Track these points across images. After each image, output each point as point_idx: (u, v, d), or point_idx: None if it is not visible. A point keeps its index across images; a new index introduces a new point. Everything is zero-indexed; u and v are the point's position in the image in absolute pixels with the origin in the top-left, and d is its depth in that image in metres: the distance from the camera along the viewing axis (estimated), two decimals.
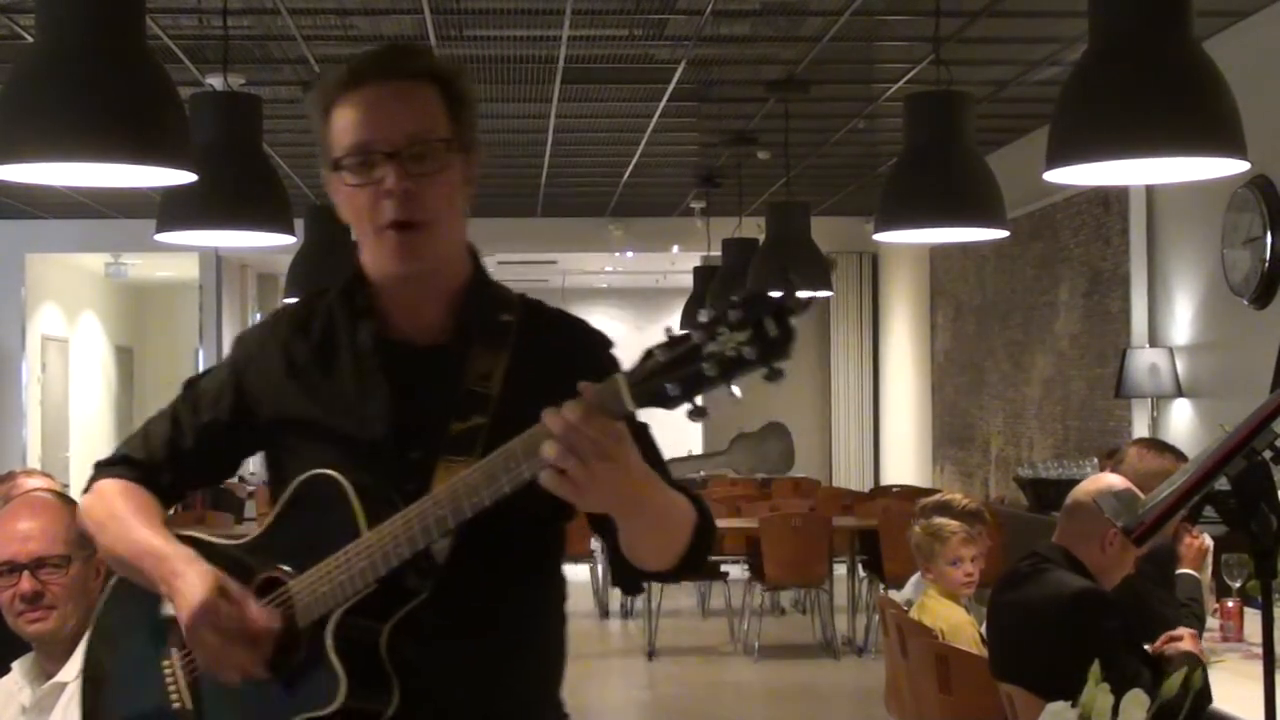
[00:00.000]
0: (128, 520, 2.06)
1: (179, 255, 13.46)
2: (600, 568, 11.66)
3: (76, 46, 3.50)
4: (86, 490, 2.15)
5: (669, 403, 1.65)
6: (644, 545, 1.90)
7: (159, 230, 5.39)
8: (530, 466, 1.75)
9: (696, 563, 1.93)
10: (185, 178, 3.93)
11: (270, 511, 2.06)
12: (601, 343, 2.07)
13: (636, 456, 1.75)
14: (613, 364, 2.00)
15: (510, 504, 1.81)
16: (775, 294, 1.64)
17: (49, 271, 14.91)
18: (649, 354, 1.67)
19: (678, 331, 1.67)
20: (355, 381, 2.03)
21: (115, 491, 2.10)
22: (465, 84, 2.02)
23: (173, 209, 5.33)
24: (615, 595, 11.58)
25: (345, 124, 1.96)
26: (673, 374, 1.64)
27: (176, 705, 2.08)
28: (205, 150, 4.89)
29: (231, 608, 1.92)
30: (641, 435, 1.88)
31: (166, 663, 2.10)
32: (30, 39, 6.56)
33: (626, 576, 1.97)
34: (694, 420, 1.69)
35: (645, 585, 1.95)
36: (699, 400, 1.67)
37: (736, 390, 1.66)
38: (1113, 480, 3.81)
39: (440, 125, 1.97)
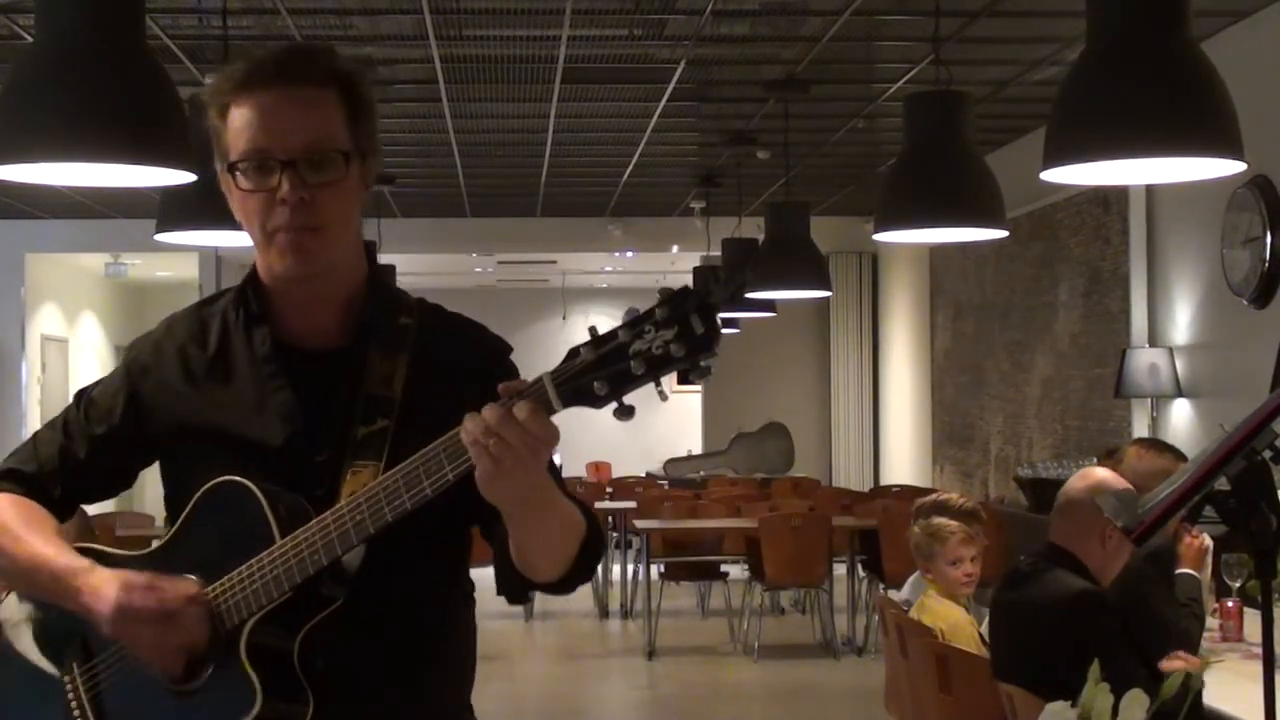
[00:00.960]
0: (19, 534, 1.99)
1: (179, 255, 13.45)
2: (599, 568, 11.65)
3: (76, 46, 3.50)
4: None
5: (596, 401, 1.66)
6: (534, 550, 1.88)
7: (159, 230, 5.39)
8: (455, 469, 1.74)
9: (583, 574, 1.92)
10: (185, 178, 3.93)
11: (173, 523, 2.00)
12: (500, 348, 2.06)
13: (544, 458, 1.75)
14: (511, 370, 2.00)
15: (423, 508, 1.80)
16: (700, 290, 1.64)
17: (49, 271, 14.91)
18: (574, 352, 1.68)
19: (603, 330, 1.68)
20: (254, 388, 1.99)
21: (4, 505, 2.03)
22: (367, 88, 1.99)
23: (173, 209, 5.33)
24: (615, 595, 11.58)
25: (241, 127, 1.93)
26: (599, 372, 1.65)
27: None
28: (205, 150, 4.88)
29: (145, 594, 1.87)
30: None
31: (67, 678, 2.03)
32: (30, 39, 6.56)
33: (513, 585, 1.95)
34: (621, 419, 1.69)
35: (530, 596, 1.96)
36: (626, 399, 1.67)
37: (664, 388, 1.67)
38: (1103, 475, 3.80)
39: (339, 134, 1.94)
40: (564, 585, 1.93)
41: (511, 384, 1.73)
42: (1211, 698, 3.28)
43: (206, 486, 1.93)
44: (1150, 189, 8.28)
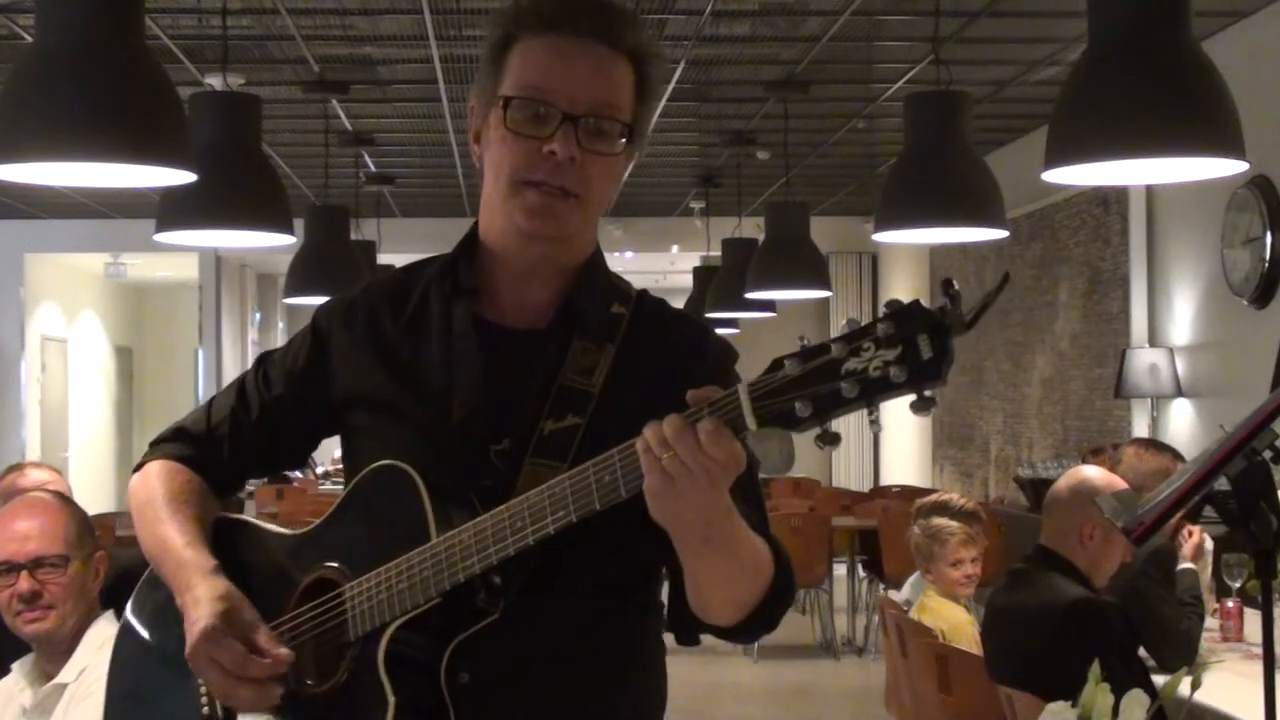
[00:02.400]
0: (160, 510, 1.89)
1: (178, 255, 13.45)
2: None
3: (76, 46, 3.50)
4: (138, 469, 1.99)
5: (797, 424, 1.46)
6: (709, 588, 1.68)
7: (159, 230, 5.39)
8: (629, 484, 1.56)
9: (767, 622, 1.71)
10: (185, 178, 3.93)
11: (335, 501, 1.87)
12: (723, 352, 1.85)
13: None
14: (732, 380, 1.79)
15: (605, 519, 1.61)
16: (932, 308, 1.43)
17: (48, 271, 14.91)
18: (778, 364, 1.46)
19: (812, 341, 1.47)
20: (443, 362, 1.82)
21: (158, 474, 1.93)
22: (659, 73, 1.85)
23: (172, 209, 5.33)
24: None
25: (532, 63, 1.76)
26: (804, 390, 1.44)
27: (206, 713, 1.90)
28: (205, 150, 4.89)
29: (229, 647, 1.75)
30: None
31: None
32: (30, 39, 6.57)
33: (682, 623, 1.76)
34: (823, 447, 1.49)
35: (699, 639, 1.80)
36: (831, 425, 1.46)
37: (878, 417, 1.47)
38: (1088, 473, 3.80)
39: (626, 106, 1.79)
40: (741, 633, 1.72)
41: (701, 392, 1.51)
42: (1211, 698, 3.28)
43: (369, 468, 1.78)
44: (1150, 189, 8.28)
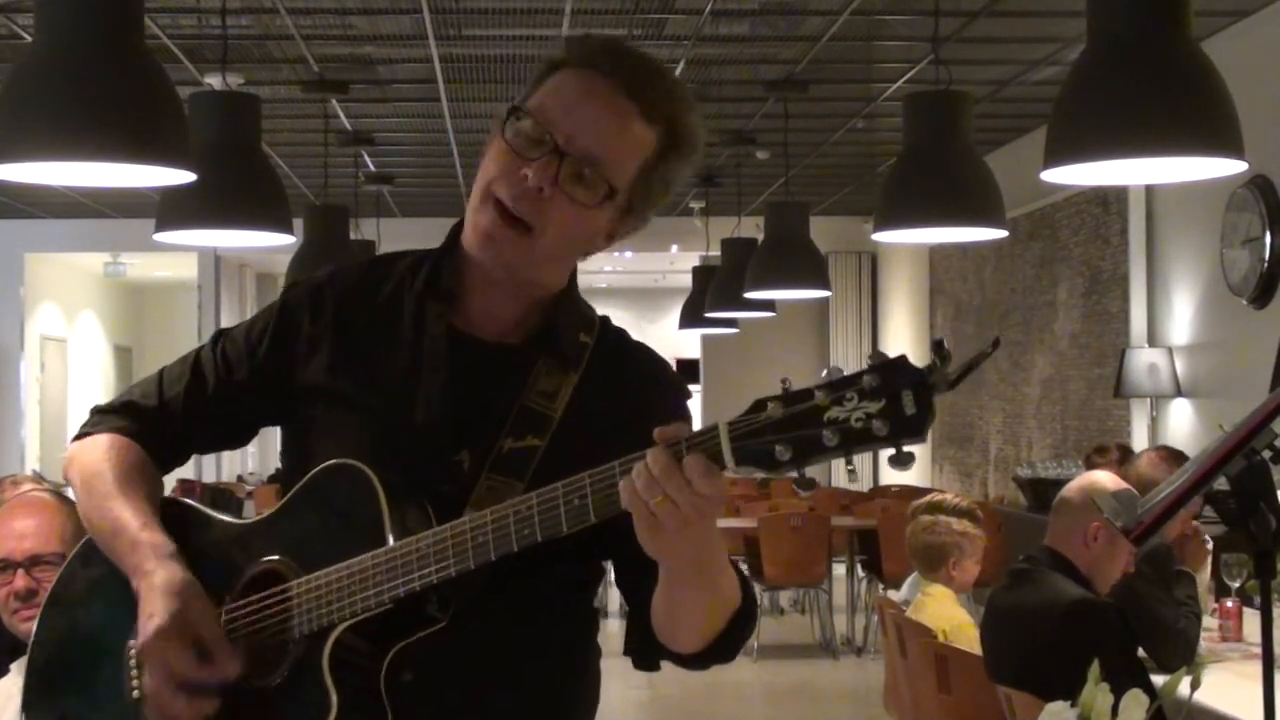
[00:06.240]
0: (112, 486, 1.83)
1: (178, 255, 13.46)
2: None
3: (76, 46, 3.50)
4: (79, 437, 1.92)
5: (775, 466, 1.45)
6: (682, 615, 1.70)
7: (158, 230, 5.39)
8: (598, 510, 1.56)
9: (727, 651, 1.72)
10: (184, 177, 3.93)
11: (282, 495, 1.84)
12: (678, 390, 1.87)
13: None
14: (683, 417, 1.80)
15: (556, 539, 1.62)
16: (919, 365, 1.45)
17: (48, 271, 14.91)
18: (760, 405, 1.47)
19: (796, 386, 1.48)
20: (410, 362, 1.81)
21: (105, 447, 1.87)
22: (684, 158, 1.79)
23: (172, 209, 5.33)
24: (615, 595, 11.56)
25: (557, 90, 1.76)
26: (785, 435, 1.44)
27: (135, 695, 1.84)
28: (204, 150, 4.89)
29: (181, 654, 1.71)
30: None
31: (131, 642, 1.85)
32: (30, 39, 6.56)
33: (645, 651, 1.78)
34: (800, 491, 1.49)
35: (659, 665, 1.82)
36: (807, 471, 1.46)
37: (855, 467, 1.48)
38: (1101, 478, 3.81)
39: (623, 170, 1.75)
40: (700, 661, 1.74)
41: (671, 429, 1.51)
42: (1211, 698, 3.28)
43: (325, 465, 1.76)
44: (1150, 189, 8.28)
